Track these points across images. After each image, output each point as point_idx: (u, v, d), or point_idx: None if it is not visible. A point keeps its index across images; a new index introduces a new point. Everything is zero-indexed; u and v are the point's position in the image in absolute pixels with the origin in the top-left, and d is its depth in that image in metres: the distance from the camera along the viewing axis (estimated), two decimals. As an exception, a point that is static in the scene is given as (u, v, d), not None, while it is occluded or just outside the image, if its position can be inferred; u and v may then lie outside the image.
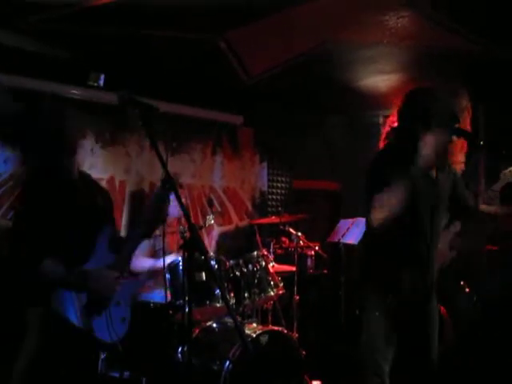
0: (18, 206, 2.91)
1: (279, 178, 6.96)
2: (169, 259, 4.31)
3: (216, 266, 4.27)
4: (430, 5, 4.04)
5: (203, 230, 5.71)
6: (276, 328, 4.38)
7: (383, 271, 3.01)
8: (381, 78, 5.70)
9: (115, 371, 3.98)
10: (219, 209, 6.11)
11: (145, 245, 4.56)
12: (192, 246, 2.52)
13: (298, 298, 5.24)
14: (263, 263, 4.52)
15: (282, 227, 5.49)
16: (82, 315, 2.72)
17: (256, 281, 4.40)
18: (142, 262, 4.57)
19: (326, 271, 6.21)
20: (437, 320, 3.12)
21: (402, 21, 4.33)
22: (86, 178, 3.08)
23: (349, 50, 5.09)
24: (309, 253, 6.00)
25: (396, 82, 5.75)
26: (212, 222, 4.45)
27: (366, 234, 3.15)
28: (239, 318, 4.43)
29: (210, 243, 6.00)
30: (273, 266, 4.68)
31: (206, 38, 4.65)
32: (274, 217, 5.52)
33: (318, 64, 5.41)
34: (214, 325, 4.42)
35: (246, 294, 4.34)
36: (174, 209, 4.51)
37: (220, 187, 6.21)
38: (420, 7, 4.08)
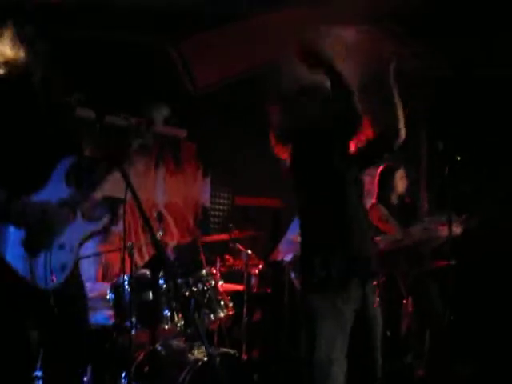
0: None
1: (222, 194, 6.80)
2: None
3: (164, 285, 4.05)
4: (393, 21, 3.99)
5: (144, 248, 5.49)
6: (227, 350, 4.19)
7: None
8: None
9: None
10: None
11: (95, 269, 4.37)
12: (159, 263, 2.31)
13: (246, 318, 5.06)
14: (213, 282, 4.32)
15: (231, 244, 5.31)
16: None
17: (206, 301, 4.20)
18: (93, 286, 4.35)
19: (269, 290, 6.05)
20: (378, 316, 3.04)
21: (362, 36, 4.26)
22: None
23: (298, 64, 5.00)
24: (252, 271, 5.83)
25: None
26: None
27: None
28: (186, 341, 4.24)
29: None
30: (222, 285, 4.49)
31: (156, 46, 4.47)
32: (224, 234, 5.33)
33: (265, 78, 5.30)
34: (159, 348, 4.18)
35: (195, 315, 4.13)
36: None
37: (162, 202, 5.99)
38: (382, 23, 4.03)
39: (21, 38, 2.61)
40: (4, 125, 2.51)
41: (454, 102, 5.71)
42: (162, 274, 3.69)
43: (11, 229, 2.42)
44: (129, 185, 2.24)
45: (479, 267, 5.81)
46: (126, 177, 2.25)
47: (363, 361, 2.99)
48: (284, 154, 3.22)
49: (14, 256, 2.42)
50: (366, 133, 3.04)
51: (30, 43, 2.63)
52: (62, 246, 2.60)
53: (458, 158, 3.24)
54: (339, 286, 2.88)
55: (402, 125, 3.05)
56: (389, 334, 5.45)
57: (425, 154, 6.72)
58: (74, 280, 2.72)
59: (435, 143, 3.34)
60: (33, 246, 2.46)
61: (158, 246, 2.29)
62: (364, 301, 2.96)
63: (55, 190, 2.60)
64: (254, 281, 5.88)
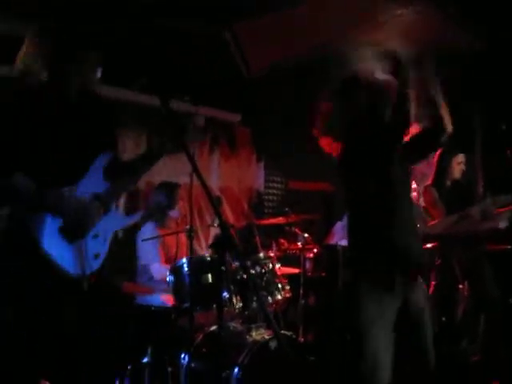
0: None
1: (275, 179, 6.80)
2: None
3: (223, 268, 4.08)
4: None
5: (200, 232, 5.57)
6: (284, 333, 4.22)
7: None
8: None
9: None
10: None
11: (157, 250, 4.46)
12: (224, 245, 2.31)
13: (303, 301, 5.08)
14: (270, 265, 4.34)
15: (288, 228, 5.33)
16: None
17: (264, 283, 4.23)
18: (159, 268, 4.43)
19: (323, 274, 6.04)
20: (425, 314, 2.89)
21: (417, 16, 4.21)
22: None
23: (354, 48, 4.95)
24: (307, 255, 5.83)
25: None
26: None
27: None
28: (243, 324, 4.29)
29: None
30: (279, 268, 4.51)
31: (211, 30, 4.47)
32: (280, 217, 5.34)
33: (319, 62, 5.25)
34: (218, 330, 4.23)
35: (253, 298, 4.15)
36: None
37: (217, 187, 6.03)
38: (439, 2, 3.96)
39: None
40: (41, 121, 2.57)
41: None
42: (227, 255, 3.74)
43: (48, 219, 2.51)
44: (195, 168, 2.25)
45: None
46: (191, 160, 2.26)
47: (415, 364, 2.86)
48: (329, 146, 3.15)
49: (50, 244, 2.50)
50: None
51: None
52: (95, 236, 2.68)
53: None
54: (383, 281, 2.81)
55: (447, 120, 2.91)
56: (444, 319, 5.40)
57: (480, 136, 6.58)
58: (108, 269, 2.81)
59: (498, 124, 3.24)
60: (70, 234, 2.56)
61: (225, 227, 2.31)
62: (407, 298, 2.83)
63: (92, 185, 2.67)
64: (308, 265, 5.88)
